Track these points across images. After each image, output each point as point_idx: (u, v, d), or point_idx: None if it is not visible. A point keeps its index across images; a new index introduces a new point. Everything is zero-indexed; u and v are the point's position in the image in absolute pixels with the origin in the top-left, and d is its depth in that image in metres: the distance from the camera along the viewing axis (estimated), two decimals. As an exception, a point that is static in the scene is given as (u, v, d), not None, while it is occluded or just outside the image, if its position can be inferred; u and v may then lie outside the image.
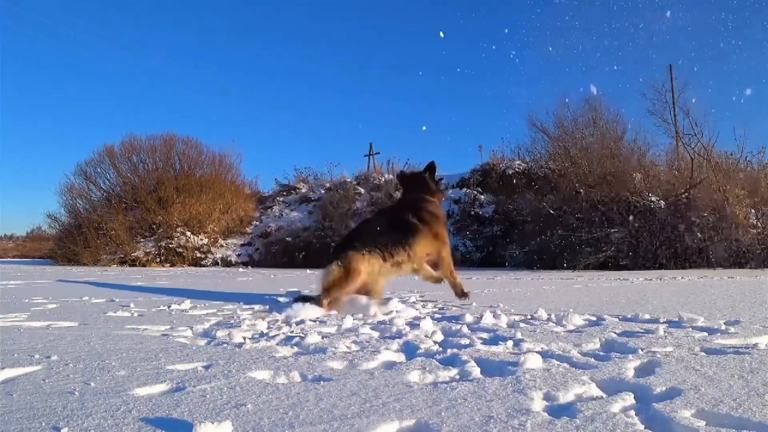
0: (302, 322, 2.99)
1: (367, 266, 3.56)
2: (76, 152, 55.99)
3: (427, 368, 1.76)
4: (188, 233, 16.15)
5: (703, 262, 8.97)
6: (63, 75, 53.36)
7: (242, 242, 16.47)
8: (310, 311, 3.31)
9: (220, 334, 2.54)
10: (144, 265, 15.50)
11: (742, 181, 9.77)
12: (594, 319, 2.89)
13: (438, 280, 4.02)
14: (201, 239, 16.17)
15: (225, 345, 2.29)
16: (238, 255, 15.86)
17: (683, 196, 9.58)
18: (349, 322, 2.89)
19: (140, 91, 54.72)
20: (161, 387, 1.59)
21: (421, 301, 4.08)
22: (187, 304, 3.92)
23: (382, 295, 3.72)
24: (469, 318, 2.90)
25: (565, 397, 1.43)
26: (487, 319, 2.83)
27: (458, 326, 2.63)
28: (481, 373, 1.72)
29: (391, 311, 3.37)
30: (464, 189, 15.06)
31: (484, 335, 2.42)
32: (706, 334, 2.34)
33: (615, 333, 2.41)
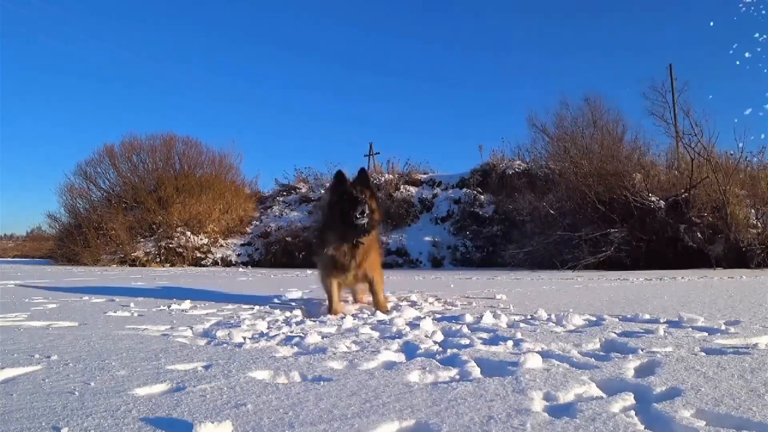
0: (302, 322, 2.99)
1: None
2: (76, 152, 56.00)
3: (427, 368, 1.76)
4: (188, 233, 16.14)
5: (703, 262, 8.96)
6: (63, 75, 53.39)
7: (242, 242, 16.47)
8: None
9: (220, 334, 2.54)
10: (144, 265, 15.50)
11: (742, 181, 9.76)
12: (594, 319, 2.89)
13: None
14: (201, 239, 16.17)
15: (225, 345, 2.29)
16: (238, 255, 15.86)
17: (683, 196, 9.57)
18: (349, 322, 2.89)
19: (140, 91, 54.72)
20: (161, 387, 1.59)
21: (422, 299, 4.08)
22: (187, 304, 3.92)
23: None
24: (469, 318, 2.91)
25: (565, 397, 1.43)
26: (487, 319, 2.83)
27: (458, 326, 2.63)
28: (481, 373, 1.72)
29: (391, 311, 3.37)
30: (464, 189, 15.07)
31: (484, 335, 2.42)
32: (706, 334, 2.33)
33: (615, 333, 2.41)
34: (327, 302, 3.46)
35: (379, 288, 3.46)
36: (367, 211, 3.16)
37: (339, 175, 3.41)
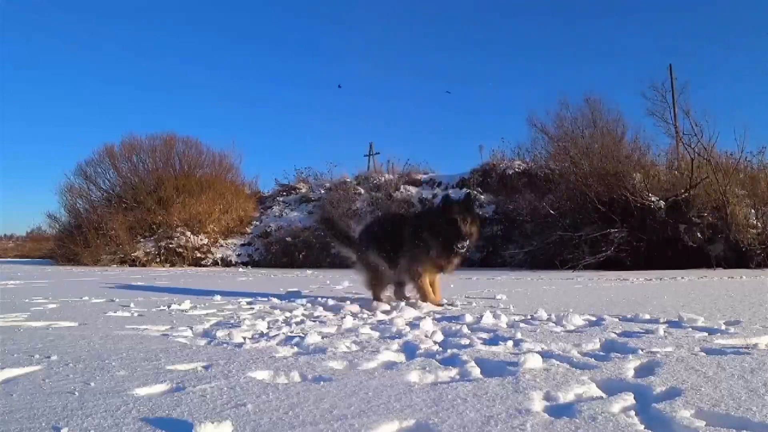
0: (302, 322, 2.99)
1: None
2: (76, 152, 55.92)
3: (427, 368, 1.76)
4: (188, 233, 16.14)
5: (703, 262, 8.96)
6: (63, 75, 53.26)
7: (242, 242, 16.46)
8: None
9: (220, 334, 2.55)
10: (144, 265, 15.49)
11: (742, 181, 9.76)
12: (594, 319, 2.89)
13: None
14: (201, 239, 16.16)
15: (225, 345, 2.29)
16: (238, 255, 15.85)
17: (683, 196, 9.57)
18: (349, 322, 2.89)
19: (140, 91, 54.64)
20: (161, 387, 1.59)
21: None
22: (187, 304, 3.92)
23: None
24: (469, 318, 2.91)
25: (565, 397, 1.43)
26: (487, 319, 2.83)
27: (458, 326, 2.63)
28: (481, 373, 1.72)
29: (392, 311, 3.38)
30: (464, 189, 15.05)
31: (484, 335, 2.42)
32: (706, 334, 2.34)
33: (615, 333, 2.41)
34: (422, 294, 3.85)
35: (438, 285, 4.04)
36: (467, 243, 3.66)
37: (447, 201, 3.76)
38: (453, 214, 3.61)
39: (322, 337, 2.42)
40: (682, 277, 6.56)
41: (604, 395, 1.45)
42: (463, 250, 3.65)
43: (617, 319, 2.86)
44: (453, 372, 1.73)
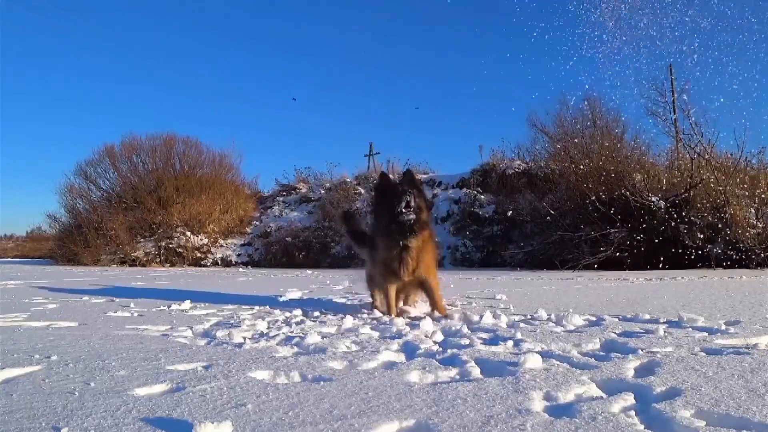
0: (302, 322, 2.99)
1: None
2: (76, 152, 55.96)
3: (427, 368, 1.76)
4: (188, 233, 16.14)
5: (703, 262, 8.96)
6: (63, 75, 53.32)
7: (242, 242, 16.47)
8: None
9: (220, 334, 2.55)
10: (144, 265, 15.50)
11: (742, 181, 9.75)
12: (594, 319, 2.89)
13: None
14: (201, 239, 16.17)
15: (225, 345, 2.29)
16: (238, 255, 15.86)
17: (683, 196, 9.57)
18: (349, 322, 2.89)
19: (140, 91, 54.69)
20: (161, 387, 1.59)
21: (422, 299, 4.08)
22: (187, 304, 3.92)
23: None
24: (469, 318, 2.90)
25: (565, 397, 1.43)
26: (487, 319, 2.83)
27: (458, 326, 2.63)
28: (481, 373, 1.72)
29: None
30: (464, 189, 15.06)
31: (484, 335, 2.42)
32: (706, 334, 2.33)
33: (615, 333, 2.41)
34: (384, 306, 3.27)
35: (435, 291, 3.20)
36: (413, 204, 2.91)
37: (383, 175, 3.24)
38: (393, 189, 3.02)
39: (322, 337, 2.42)
40: (682, 277, 6.56)
41: (604, 395, 1.45)
42: (409, 217, 2.90)
43: (617, 319, 2.85)
44: (453, 372, 1.73)
